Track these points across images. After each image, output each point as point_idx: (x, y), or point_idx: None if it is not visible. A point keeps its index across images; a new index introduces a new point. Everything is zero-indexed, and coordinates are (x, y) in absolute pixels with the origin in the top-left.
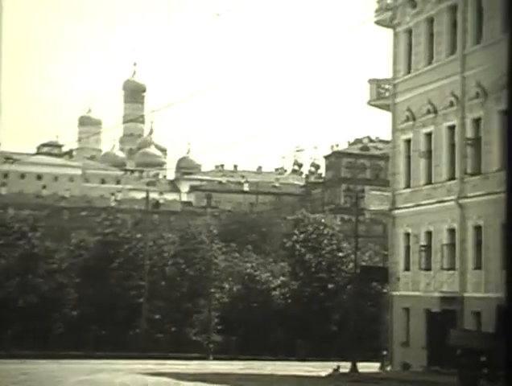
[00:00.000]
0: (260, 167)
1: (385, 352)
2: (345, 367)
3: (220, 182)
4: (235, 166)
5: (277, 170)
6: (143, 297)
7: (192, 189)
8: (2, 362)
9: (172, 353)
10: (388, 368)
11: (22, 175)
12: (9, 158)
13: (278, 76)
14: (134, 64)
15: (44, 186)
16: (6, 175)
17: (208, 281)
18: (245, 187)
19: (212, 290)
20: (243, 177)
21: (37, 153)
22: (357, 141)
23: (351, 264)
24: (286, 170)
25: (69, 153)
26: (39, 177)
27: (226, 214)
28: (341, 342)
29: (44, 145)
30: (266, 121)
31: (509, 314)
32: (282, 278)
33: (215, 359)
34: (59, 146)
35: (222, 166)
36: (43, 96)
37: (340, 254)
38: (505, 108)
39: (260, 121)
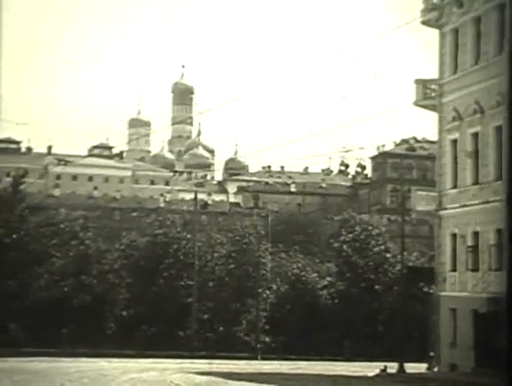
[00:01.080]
0: (307, 168)
1: (432, 353)
2: (392, 367)
3: (267, 183)
4: (282, 167)
5: (323, 170)
6: (192, 296)
7: (240, 190)
8: (57, 360)
9: (221, 352)
10: (435, 369)
11: (75, 177)
12: (61, 161)
13: (325, 77)
14: (183, 67)
15: (96, 188)
16: (58, 177)
17: (256, 282)
18: (292, 188)
19: (260, 290)
20: (290, 178)
21: (88, 155)
22: (404, 141)
23: (398, 265)
24: (332, 171)
25: (120, 155)
26: (91, 178)
27: (273, 215)
28: (388, 342)
29: (95, 147)
30: (313, 121)
31: (509, 314)
32: (328, 279)
33: (263, 358)
34: (110, 148)
35: (269, 167)
36: (94, 99)
37: (388, 255)
38: None
39: (307, 122)
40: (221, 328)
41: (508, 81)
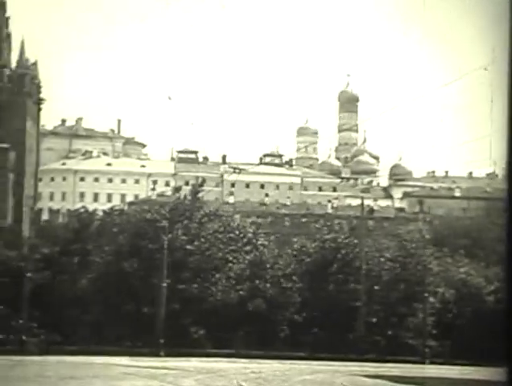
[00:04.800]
0: (471, 173)
1: None
2: None
3: (431, 188)
4: (446, 172)
5: (488, 175)
6: (360, 300)
7: (405, 195)
8: (234, 360)
9: (389, 356)
10: None
11: (247, 185)
12: (236, 169)
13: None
14: (348, 76)
15: (267, 195)
16: (233, 185)
17: (423, 286)
18: (457, 193)
19: (427, 295)
20: (454, 182)
21: (260, 164)
22: None
23: None
24: (497, 175)
25: (289, 163)
26: (263, 186)
27: (438, 219)
28: None
29: (266, 155)
30: (477, 125)
31: (509, 313)
32: (496, 284)
33: (431, 363)
34: (280, 156)
35: (434, 172)
36: (263, 109)
37: None
38: None
39: (470, 126)
40: (389, 332)
41: (508, 80)
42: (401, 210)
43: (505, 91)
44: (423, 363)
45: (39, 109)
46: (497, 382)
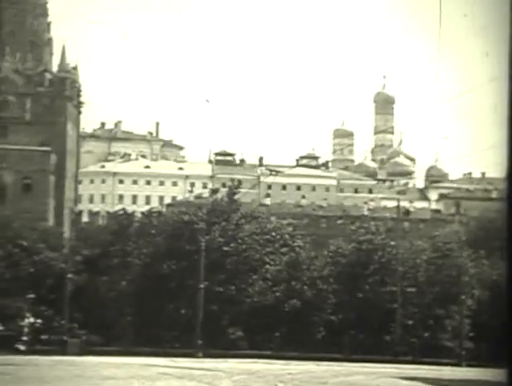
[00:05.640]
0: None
1: None
2: None
3: (467, 190)
4: (482, 174)
5: None
6: (396, 302)
7: (441, 197)
8: (271, 362)
9: (425, 358)
10: None
11: (284, 187)
12: (272, 171)
13: None
14: (384, 77)
15: (303, 196)
16: (269, 187)
17: (459, 288)
18: (493, 194)
19: (463, 297)
20: (491, 184)
21: (296, 166)
22: None
23: None
24: None
25: (325, 165)
26: (299, 188)
27: (474, 221)
28: None
29: (303, 157)
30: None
31: (509, 308)
32: None
33: (468, 365)
34: (316, 158)
35: (470, 173)
36: (300, 113)
37: None
38: None
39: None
40: (425, 334)
41: (508, 82)
42: (437, 212)
43: None
44: (460, 365)
45: (79, 113)
46: None
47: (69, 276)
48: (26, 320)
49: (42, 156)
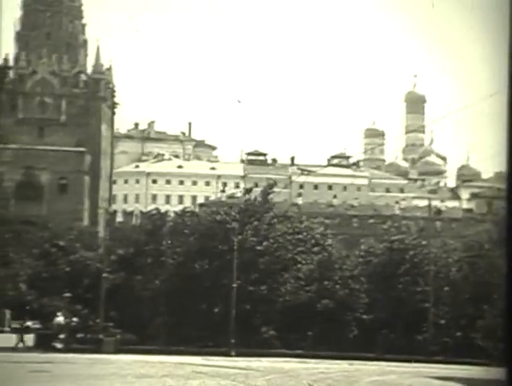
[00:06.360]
0: None
1: None
2: None
3: (499, 189)
4: None
5: None
6: (429, 302)
7: (473, 196)
8: (304, 361)
9: (458, 358)
10: None
11: (316, 186)
12: (304, 171)
13: None
14: (415, 76)
15: (335, 196)
16: (301, 186)
17: (491, 287)
18: None
19: (496, 296)
20: None
21: (328, 165)
22: None
23: None
24: None
25: (356, 164)
26: (330, 187)
27: (506, 220)
28: None
29: (334, 157)
30: None
31: (509, 308)
32: None
33: (499, 366)
34: (347, 158)
35: (502, 172)
36: (330, 112)
37: None
38: None
39: None
40: (458, 333)
41: (508, 82)
42: (469, 211)
43: None
44: (492, 365)
45: (113, 113)
46: None
47: (104, 275)
48: (60, 318)
49: (77, 157)
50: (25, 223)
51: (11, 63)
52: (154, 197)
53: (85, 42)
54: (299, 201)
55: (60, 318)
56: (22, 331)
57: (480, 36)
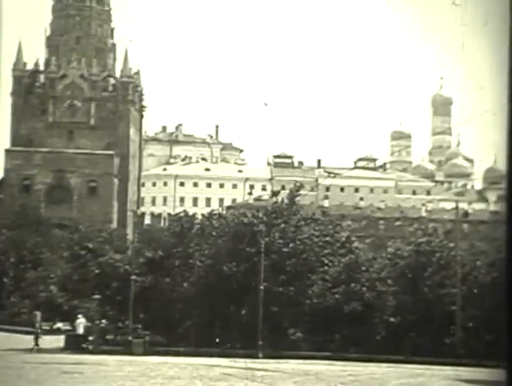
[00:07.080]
0: None
1: None
2: None
3: None
4: None
5: None
6: (456, 304)
7: (500, 198)
8: (331, 363)
9: (486, 361)
10: None
11: (342, 188)
12: (330, 173)
13: None
14: (441, 78)
15: (361, 198)
16: (328, 189)
17: None
18: None
19: None
20: None
21: (354, 168)
22: None
23: None
24: None
25: (383, 167)
26: (357, 189)
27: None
28: None
29: (360, 159)
30: None
31: (509, 308)
32: None
33: None
34: (374, 160)
35: None
36: (357, 115)
37: None
38: None
39: None
40: (487, 337)
41: (508, 82)
42: (496, 213)
43: None
44: None
45: (142, 116)
46: None
47: (133, 277)
48: (82, 320)
49: (106, 159)
50: (55, 225)
51: (42, 67)
52: (182, 199)
53: (114, 46)
54: (326, 203)
55: (82, 320)
56: (37, 334)
57: None
